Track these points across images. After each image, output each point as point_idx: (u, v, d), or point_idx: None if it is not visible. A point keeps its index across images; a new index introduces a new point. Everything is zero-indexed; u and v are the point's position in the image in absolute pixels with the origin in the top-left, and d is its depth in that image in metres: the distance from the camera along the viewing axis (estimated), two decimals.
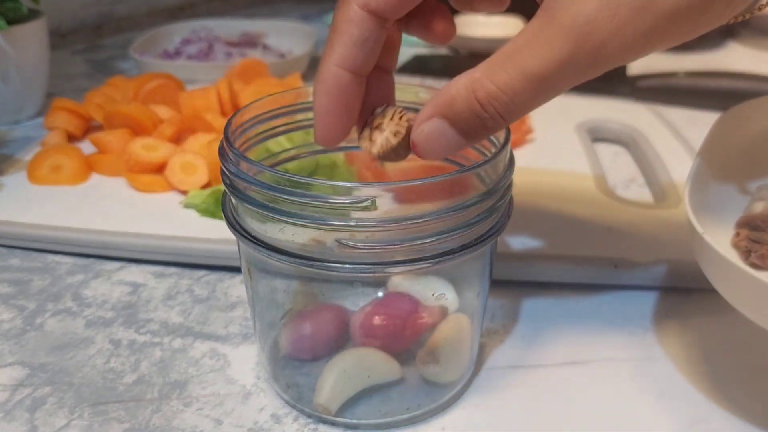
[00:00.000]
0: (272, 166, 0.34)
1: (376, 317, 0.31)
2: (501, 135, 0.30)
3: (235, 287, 0.43)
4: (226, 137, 0.30)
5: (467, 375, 0.34)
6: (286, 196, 0.27)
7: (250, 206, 0.28)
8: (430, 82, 0.82)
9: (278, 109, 0.34)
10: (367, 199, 0.26)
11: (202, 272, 0.44)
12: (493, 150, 0.30)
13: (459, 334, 0.32)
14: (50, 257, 0.46)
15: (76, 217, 0.47)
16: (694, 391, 0.35)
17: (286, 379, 0.33)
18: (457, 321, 0.33)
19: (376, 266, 0.27)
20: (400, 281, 0.33)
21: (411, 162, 0.40)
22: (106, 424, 0.32)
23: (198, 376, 0.35)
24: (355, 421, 0.32)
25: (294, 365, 0.34)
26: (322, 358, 0.33)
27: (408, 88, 0.36)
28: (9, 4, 0.61)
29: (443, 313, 0.32)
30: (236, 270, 0.44)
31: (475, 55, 0.89)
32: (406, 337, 0.31)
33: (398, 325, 0.31)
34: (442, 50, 0.96)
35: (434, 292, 0.31)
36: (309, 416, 0.33)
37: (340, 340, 0.33)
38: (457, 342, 0.32)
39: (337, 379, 0.31)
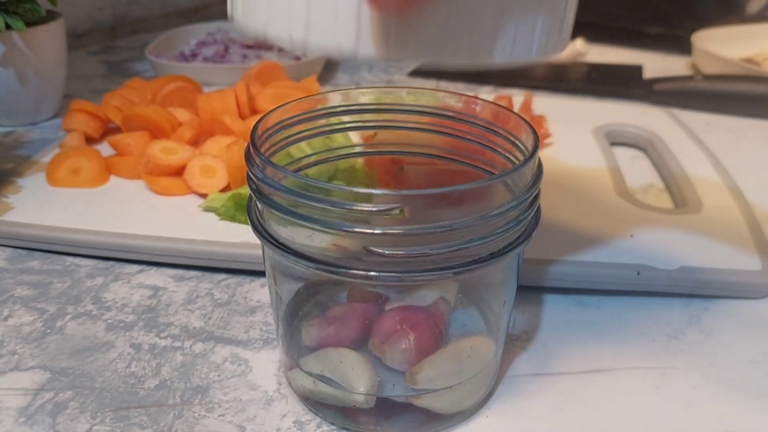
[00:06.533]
0: (295, 171, 0.34)
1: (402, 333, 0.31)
2: (529, 143, 0.30)
3: (255, 291, 0.43)
4: (253, 142, 0.30)
5: (491, 383, 0.34)
6: (314, 203, 0.27)
7: (276, 212, 0.28)
8: (444, 84, 0.82)
9: (300, 114, 0.34)
10: (397, 207, 0.26)
11: (221, 276, 0.44)
12: (521, 158, 0.30)
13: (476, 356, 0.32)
14: (69, 260, 0.46)
15: (96, 220, 0.47)
16: (720, 402, 0.34)
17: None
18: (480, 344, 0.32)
19: (403, 274, 0.27)
20: (424, 288, 0.33)
21: (431, 167, 0.40)
22: (128, 429, 0.32)
23: (219, 382, 0.35)
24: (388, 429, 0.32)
25: None
26: None
27: (426, 92, 0.36)
28: (27, 6, 0.61)
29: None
30: (256, 274, 0.44)
31: None
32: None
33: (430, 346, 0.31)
34: None
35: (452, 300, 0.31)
36: (332, 423, 0.33)
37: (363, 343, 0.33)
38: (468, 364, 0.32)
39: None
